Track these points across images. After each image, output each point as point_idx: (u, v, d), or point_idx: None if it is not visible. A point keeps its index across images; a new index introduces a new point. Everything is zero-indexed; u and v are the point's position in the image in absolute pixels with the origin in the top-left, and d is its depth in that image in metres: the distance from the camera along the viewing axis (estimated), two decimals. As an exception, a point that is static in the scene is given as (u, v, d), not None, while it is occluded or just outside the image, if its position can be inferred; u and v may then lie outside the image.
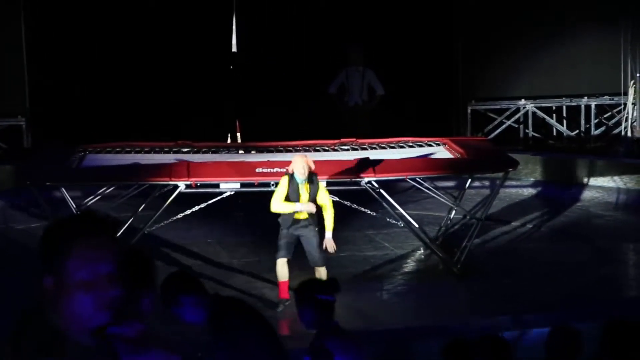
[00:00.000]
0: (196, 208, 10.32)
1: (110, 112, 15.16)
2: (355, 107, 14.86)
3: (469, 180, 11.19)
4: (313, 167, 9.16)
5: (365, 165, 9.93)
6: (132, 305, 3.46)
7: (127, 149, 11.10)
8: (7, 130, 15.28)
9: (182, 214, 10.28)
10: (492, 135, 15.54)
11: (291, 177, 9.07)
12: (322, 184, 9.30)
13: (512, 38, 15.75)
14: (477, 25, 15.76)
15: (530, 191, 13.84)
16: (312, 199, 9.08)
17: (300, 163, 9.06)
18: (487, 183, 13.22)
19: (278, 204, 9.06)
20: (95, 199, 10.64)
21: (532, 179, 14.21)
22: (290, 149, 11.25)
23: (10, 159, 14.14)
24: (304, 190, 9.08)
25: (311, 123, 14.69)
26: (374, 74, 14.79)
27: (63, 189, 10.34)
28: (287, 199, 9.06)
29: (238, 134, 15.77)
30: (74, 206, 10.31)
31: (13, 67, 15.24)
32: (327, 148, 11.33)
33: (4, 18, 15.22)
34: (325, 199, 9.18)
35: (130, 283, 3.36)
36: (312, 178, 9.12)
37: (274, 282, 9.10)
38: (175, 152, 11.02)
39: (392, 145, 11.39)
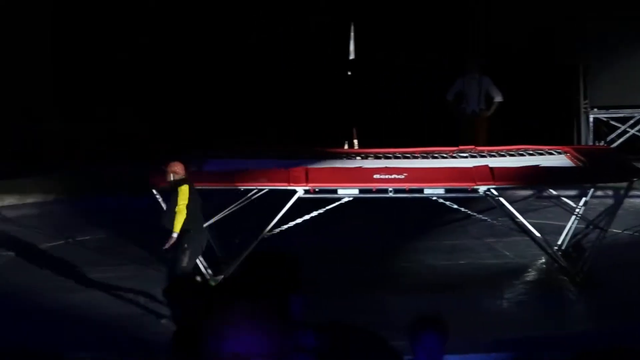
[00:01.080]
0: (314, 213, 10.31)
1: (230, 118, 15.36)
2: (473, 114, 14.72)
3: (592, 190, 10.89)
4: (176, 172, 9.29)
5: (484, 172, 9.77)
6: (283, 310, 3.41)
7: (247, 154, 11.18)
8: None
9: (300, 219, 10.28)
10: (616, 144, 15.14)
11: None
12: (183, 188, 9.27)
13: (637, 45, 15.34)
14: (600, 32, 15.40)
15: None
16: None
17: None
18: (610, 192, 12.84)
19: None
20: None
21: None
22: (408, 155, 11.15)
23: (132, 163, 14.43)
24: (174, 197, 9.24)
25: (429, 130, 14.59)
26: (490, 81, 14.65)
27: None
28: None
29: (355, 141, 15.77)
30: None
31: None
32: (445, 155, 11.20)
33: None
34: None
35: (279, 287, 3.34)
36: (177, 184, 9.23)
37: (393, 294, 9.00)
38: (294, 158, 11.04)
39: (512, 152, 11.19)
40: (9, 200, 13.04)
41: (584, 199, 10.80)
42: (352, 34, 16.31)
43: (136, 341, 8.03)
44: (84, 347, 8.06)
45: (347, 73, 16.20)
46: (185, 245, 9.06)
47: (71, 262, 10.86)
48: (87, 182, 14.07)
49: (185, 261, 9.01)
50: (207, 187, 10.08)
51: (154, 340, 7.62)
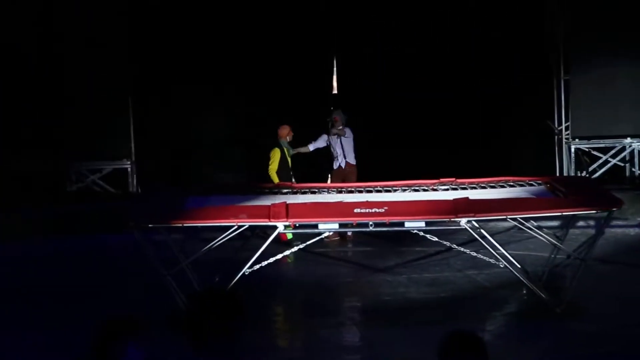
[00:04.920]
0: (295, 249, 10.37)
1: (209, 154, 15.44)
2: (340, 169, 14.74)
3: (572, 220, 10.94)
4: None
5: (465, 204, 9.81)
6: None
7: (228, 190, 11.22)
8: (114, 173, 15.66)
9: (281, 255, 10.33)
10: (597, 174, 15.23)
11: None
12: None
13: (617, 75, 15.46)
14: (581, 62, 15.53)
15: (637, 231, 13.48)
16: None
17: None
18: (592, 223, 12.93)
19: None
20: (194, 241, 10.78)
21: (638, 219, 13.85)
22: (389, 189, 11.20)
23: (117, 201, 14.48)
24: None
25: (409, 162, 14.67)
26: (351, 135, 14.68)
27: (166, 231, 10.48)
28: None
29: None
30: (177, 248, 10.45)
31: (119, 110, 15.66)
32: (426, 188, 11.23)
33: (112, 63, 15.68)
34: None
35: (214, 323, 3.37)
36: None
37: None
38: (274, 194, 11.09)
39: (492, 184, 11.22)
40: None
41: (564, 230, 10.83)
42: (334, 69, 16.42)
43: None
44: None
45: (330, 108, 16.31)
46: None
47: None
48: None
49: None
50: (189, 225, 10.11)
51: None
